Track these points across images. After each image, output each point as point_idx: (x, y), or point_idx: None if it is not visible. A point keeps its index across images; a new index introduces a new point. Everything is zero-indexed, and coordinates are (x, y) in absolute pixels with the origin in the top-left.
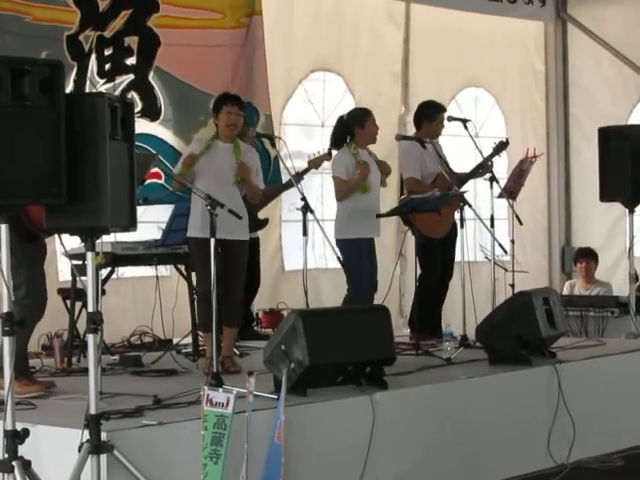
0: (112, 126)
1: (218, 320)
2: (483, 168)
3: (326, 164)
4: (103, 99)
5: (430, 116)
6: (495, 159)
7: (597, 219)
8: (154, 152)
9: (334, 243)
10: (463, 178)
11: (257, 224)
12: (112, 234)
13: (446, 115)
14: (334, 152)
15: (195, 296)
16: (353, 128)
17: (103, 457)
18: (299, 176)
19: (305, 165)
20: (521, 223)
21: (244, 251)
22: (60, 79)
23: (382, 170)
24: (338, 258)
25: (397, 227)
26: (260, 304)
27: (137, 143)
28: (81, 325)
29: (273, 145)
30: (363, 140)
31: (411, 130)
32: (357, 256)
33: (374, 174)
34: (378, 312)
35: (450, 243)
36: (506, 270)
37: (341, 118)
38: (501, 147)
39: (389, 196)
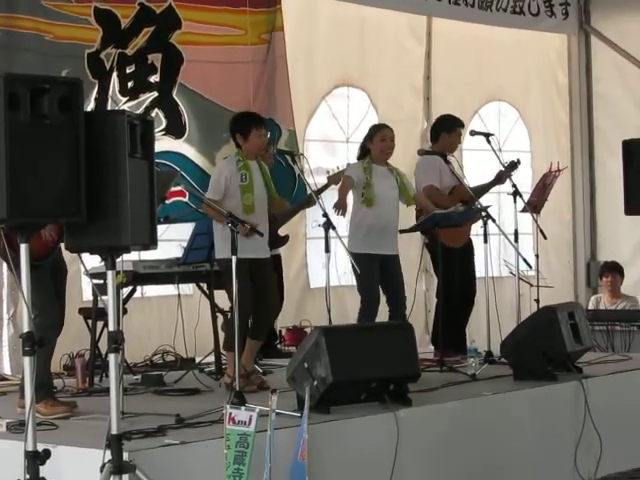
0: (132, 144)
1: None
2: (497, 183)
3: None
4: (122, 117)
5: (449, 127)
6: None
7: (623, 233)
8: (177, 169)
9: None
10: (477, 193)
11: (278, 241)
12: (135, 252)
13: (465, 130)
14: None
15: (219, 314)
16: (365, 142)
17: (125, 477)
18: (319, 192)
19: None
20: (545, 237)
21: (271, 267)
22: (79, 97)
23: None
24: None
25: (421, 243)
26: (285, 321)
27: (161, 161)
28: (103, 345)
29: (294, 161)
30: (374, 154)
31: None
32: (363, 271)
33: (388, 190)
34: (402, 328)
35: (468, 256)
36: (531, 285)
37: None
38: (512, 167)
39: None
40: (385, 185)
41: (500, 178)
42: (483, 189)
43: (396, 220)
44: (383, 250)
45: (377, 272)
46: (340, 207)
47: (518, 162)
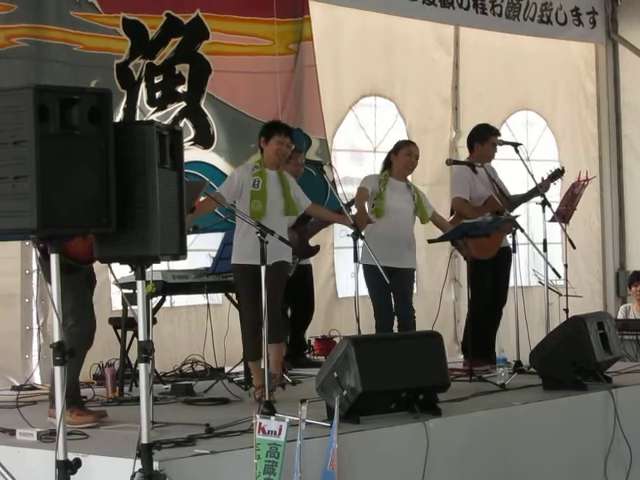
0: (161, 154)
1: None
2: (537, 193)
3: None
4: (151, 127)
5: (481, 138)
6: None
7: None
8: (205, 179)
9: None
10: (515, 202)
11: (309, 251)
12: (164, 262)
13: (499, 139)
14: None
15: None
16: (390, 155)
17: None
18: (350, 204)
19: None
20: (574, 247)
21: (281, 270)
22: (108, 108)
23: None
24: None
25: (450, 253)
26: (313, 331)
27: (189, 170)
28: (133, 354)
29: (323, 171)
30: (396, 168)
31: (462, 154)
32: (371, 283)
33: (402, 204)
34: (431, 338)
35: (502, 267)
36: (560, 294)
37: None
38: (557, 175)
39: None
40: (399, 199)
41: (542, 186)
42: (522, 198)
43: (408, 234)
44: (392, 263)
45: (386, 284)
46: (361, 218)
47: (563, 170)
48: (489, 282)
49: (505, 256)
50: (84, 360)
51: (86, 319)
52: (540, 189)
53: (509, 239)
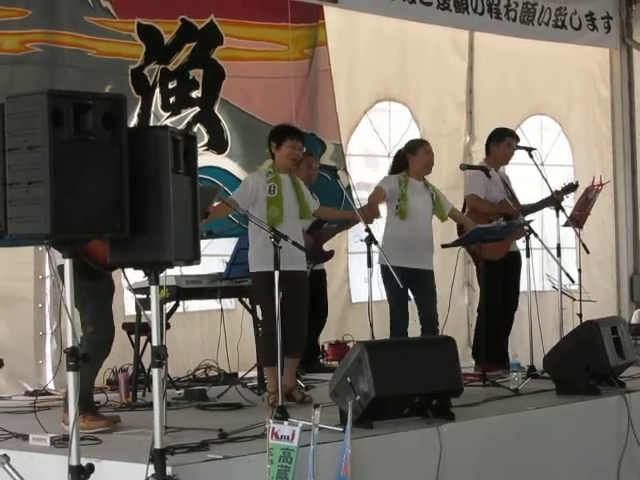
0: (175, 159)
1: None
2: (549, 203)
3: None
4: (165, 132)
5: (497, 138)
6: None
7: None
8: (219, 184)
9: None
10: (527, 210)
11: (323, 256)
12: (178, 267)
13: (516, 142)
14: None
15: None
16: (406, 156)
17: None
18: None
19: None
20: (588, 252)
21: (305, 281)
22: (122, 113)
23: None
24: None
25: (464, 257)
26: (327, 336)
27: (203, 176)
28: (146, 359)
29: (337, 177)
30: (415, 168)
31: (476, 159)
32: (389, 285)
33: (422, 205)
34: (444, 343)
35: (512, 271)
36: (574, 299)
37: (399, 151)
38: (570, 188)
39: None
40: (419, 200)
41: (554, 198)
42: (534, 207)
43: (428, 235)
44: (413, 264)
45: (405, 285)
46: (370, 211)
47: (576, 185)
48: (499, 284)
49: (515, 260)
50: (101, 367)
51: (106, 327)
52: (555, 196)
53: (521, 244)
